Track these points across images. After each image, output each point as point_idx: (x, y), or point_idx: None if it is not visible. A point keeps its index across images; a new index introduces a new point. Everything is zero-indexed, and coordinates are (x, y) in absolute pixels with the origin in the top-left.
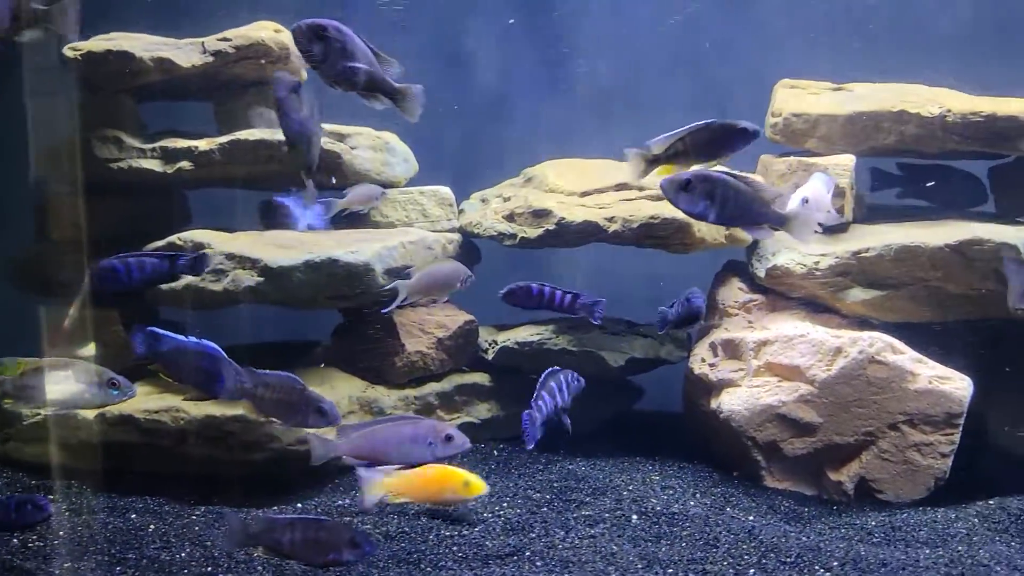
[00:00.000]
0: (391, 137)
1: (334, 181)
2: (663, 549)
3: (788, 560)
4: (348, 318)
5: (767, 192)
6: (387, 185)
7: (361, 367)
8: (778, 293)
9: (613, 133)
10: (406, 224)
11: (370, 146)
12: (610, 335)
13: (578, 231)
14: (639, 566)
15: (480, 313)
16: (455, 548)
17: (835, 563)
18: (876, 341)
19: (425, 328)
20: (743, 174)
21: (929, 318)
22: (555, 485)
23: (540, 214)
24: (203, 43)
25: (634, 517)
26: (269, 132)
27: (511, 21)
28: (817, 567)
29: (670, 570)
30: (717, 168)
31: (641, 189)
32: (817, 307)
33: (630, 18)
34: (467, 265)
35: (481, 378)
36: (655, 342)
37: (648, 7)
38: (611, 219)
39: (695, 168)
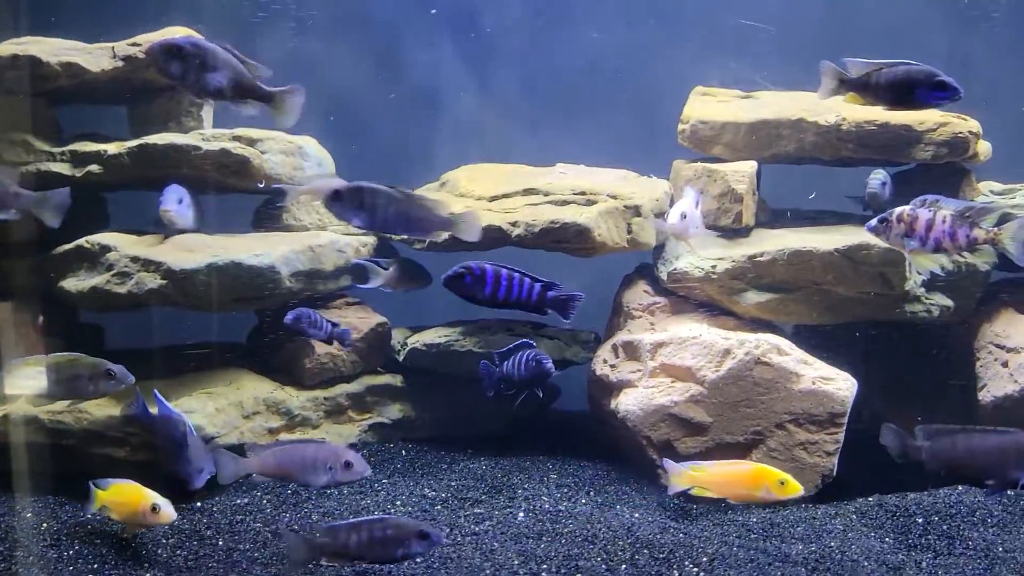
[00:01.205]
0: (306, 141)
1: (261, 185)
2: (542, 546)
3: (660, 556)
4: (263, 320)
5: (427, 200)
6: None
7: (273, 368)
8: (680, 296)
9: (542, 137)
10: (319, 227)
11: (281, 150)
12: (517, 337)
13: (485, 236)
14: (515, 563)
15: (407, 315)
16: None
17: (704, 559)
18: (762, 343)
19: None
20: (402, 188)
21: (821, 320)
22: (453, 484)
23: None
24: (113, 48)
25: (520, 515)
26: (179, 136)
27: (433, 11)
28: (687, 562)
29: (544, 566)
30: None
31: (547, 194)
32: (716, 309)
33: (561, 24)
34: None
35: (393, 379)
36: (561, 343)
37: (579, 14)
38: (514, 223)
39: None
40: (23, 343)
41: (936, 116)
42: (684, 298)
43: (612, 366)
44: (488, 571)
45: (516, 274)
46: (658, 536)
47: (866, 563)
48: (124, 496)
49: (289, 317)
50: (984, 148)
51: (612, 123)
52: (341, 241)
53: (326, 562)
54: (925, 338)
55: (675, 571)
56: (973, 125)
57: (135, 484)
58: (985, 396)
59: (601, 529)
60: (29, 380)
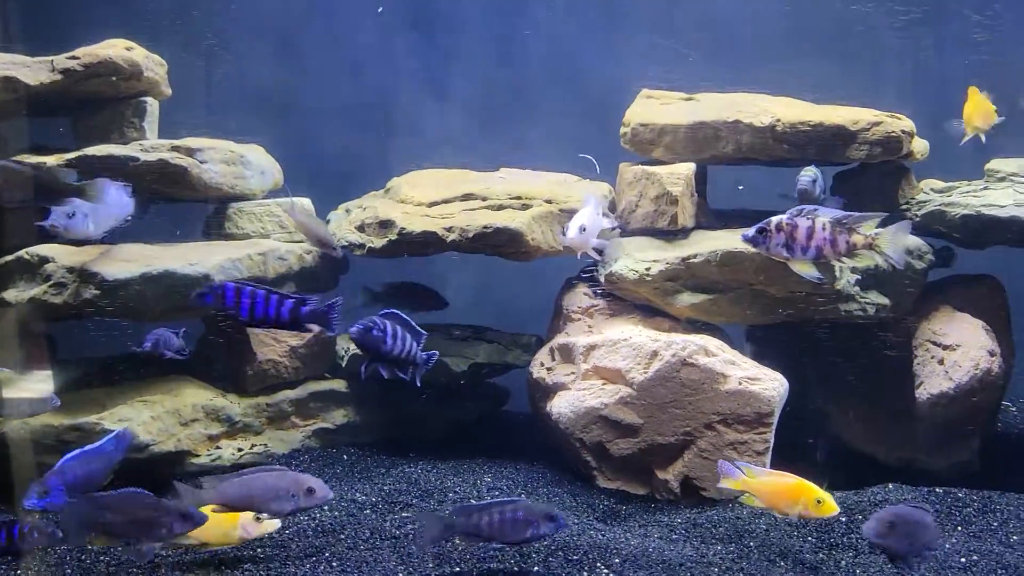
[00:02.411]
0: (249, 149)
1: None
2: (460, 550)
3: (574, 558)
4: (210, 328)
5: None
6: (241, 198)
7: (219, 376)
8: (619, 298)
9: (501, 142)
10: (262, 236)
11: (222, 160)
12: (456, 341)
13: (419, 240)
14: (430, 565)
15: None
16: (259, 550)
17: (617, 560)
18: (689, 344)
19: (278, 337)
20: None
21: (755, 320)
22: (387, 488)
23: (385, 224)
24: (52, 61)
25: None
26: (119, 147)
27: (380, 10)
28: (599, 564)
29: (457, 569)
30: None
31: (484, 199)
32: (653, 311)
33: (514, 28)
34: (331, 274)
35: (338, 384)
36: (501, 347)
37: (530, 17)
38: (449, 229)
39: None
40: (29, 350)
41: (869, 116)
42: (623, 300)
43: (548, 369)
44: (401, 574)
45: (261, 291)
46: (576, 538)
47: (782, 563)
48: (214, 520)
49: (146, 344)
50: (920, 146)
51: (571, 127)
52: (283, 248)
53: (458, 540)
54: (869, 336)
55: (585, 572)
56: (907, 124)
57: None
58: (922, 394)
59: None
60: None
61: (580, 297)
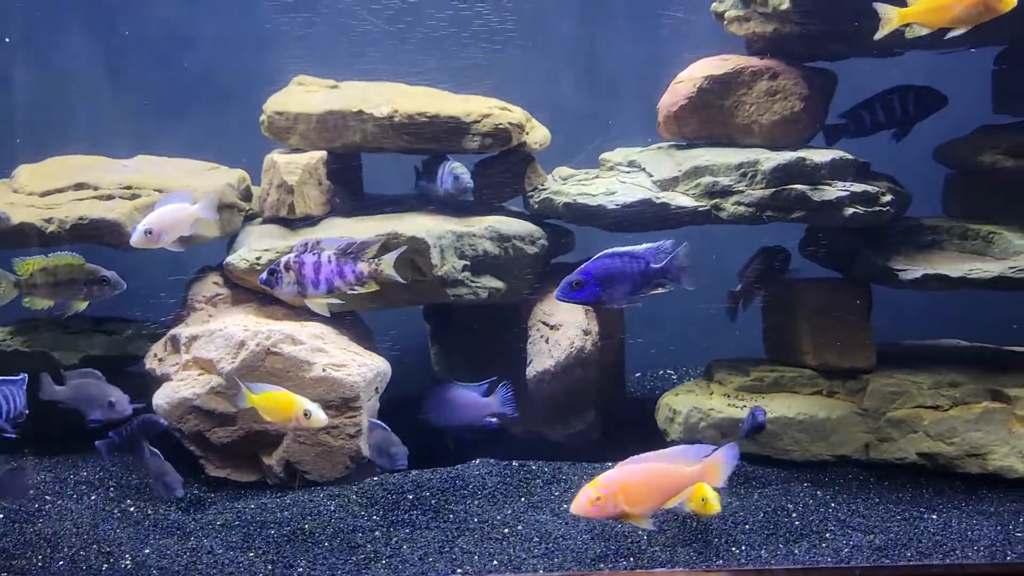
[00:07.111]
0: None
1: None
2: None
3: (103, 552)
4: None
5: None
6: None
7: None
8: (244, 287)
9: (180, 130)
10: None
11: None
12: (70, 334)
13: (16, 233)
14: None
15: None
16: None
17: (147, 550)
18: (275, 334)
19: None
20: None
21: (371, 306)
22: None
23: None
24: None
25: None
26: None
27: None
28: (127, 557)
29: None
30: None
31: (96, 188)
32: (272, 300)
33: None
34: None
35: None
36: (119, 339)
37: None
38: (49, 220)
39: None
40: None
41: (482, 108)
42: (247, 289)
43: (160, 360)
44: None
45: None
46: (115, 530)
47: (328, 543)
48: (276, 402)
49: None
50: (539, 136)
51: (239, 114)
52: None
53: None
54: (512, 317)
55: (106, 567)
56: (515, 116)
57: (285, 391)
58: (530, 371)
59: (53, 525)
60: None
61: (208, 286)
